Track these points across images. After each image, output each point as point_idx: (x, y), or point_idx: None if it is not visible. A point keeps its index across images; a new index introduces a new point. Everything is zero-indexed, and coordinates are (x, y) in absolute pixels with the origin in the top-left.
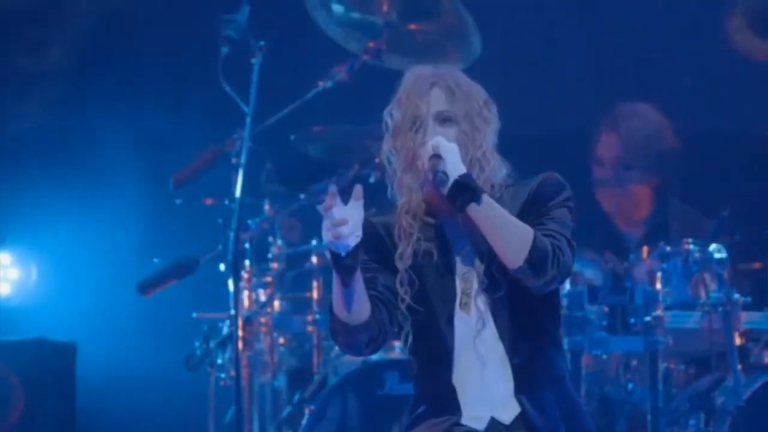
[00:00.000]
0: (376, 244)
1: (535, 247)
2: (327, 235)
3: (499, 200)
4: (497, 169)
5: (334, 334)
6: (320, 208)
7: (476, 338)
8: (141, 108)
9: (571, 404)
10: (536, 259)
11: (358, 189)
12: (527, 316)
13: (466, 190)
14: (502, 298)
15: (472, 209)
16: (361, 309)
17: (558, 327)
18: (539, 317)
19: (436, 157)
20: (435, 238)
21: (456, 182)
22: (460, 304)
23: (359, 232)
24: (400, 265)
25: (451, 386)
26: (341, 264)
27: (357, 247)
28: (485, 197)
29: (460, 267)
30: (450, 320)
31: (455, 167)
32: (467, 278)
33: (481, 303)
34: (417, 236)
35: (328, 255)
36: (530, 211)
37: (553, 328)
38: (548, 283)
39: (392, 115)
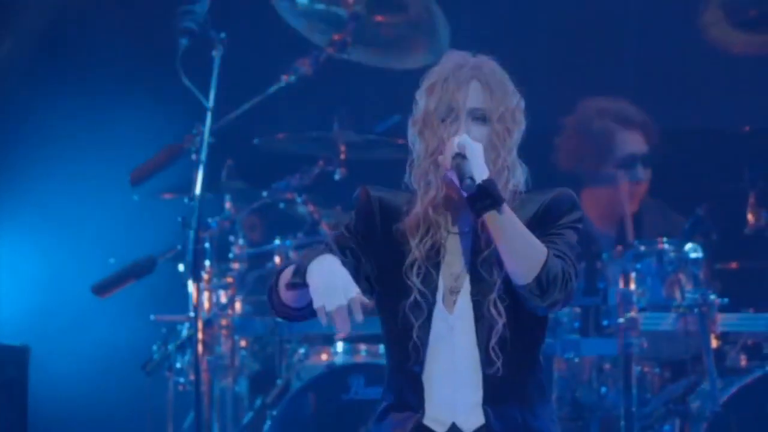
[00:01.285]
0: (366, 216)
1: (546, 267)
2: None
3: (514, 209)
4: (520, 176)
5: (269, 298)
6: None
7: (452, 339)
8: (95, 102)
9: (539, 426)
10: (546, 280)
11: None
12: (510, 329)
13: (488, 196)
14: (489, 304)
15: (490, 217)
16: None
17: (540, 346)
18: (523, 334)
19: (461, 156)
20: (439, 231)
21: (479, 187)
22: (443, 301)
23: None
24: (417, 254)
25: (419, 382)
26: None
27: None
28: (505, 207)
29: (453, 263)
30: (428, 316)
31: (479, 169)
32: (459, 276)
33: (465, 304)
34: (441, 228)
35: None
36: (538, 226)
37: (535, 347)
38: (552, 306)
39: (425, 99)
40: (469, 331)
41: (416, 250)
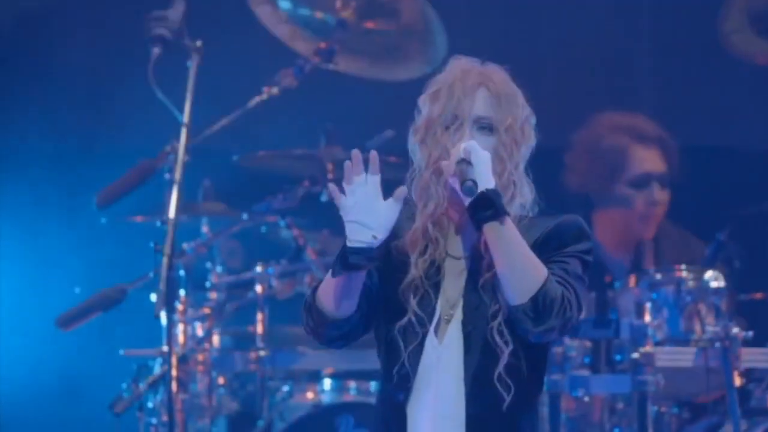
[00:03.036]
0: None
1: (544, 288)
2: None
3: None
4: (527, 195)
5: (306, 319)
6: (331, 188)
7: (439, 371)
8: (60, 116)
9: None
10: (542, 302)
11: (401, 189)
12: (502, 367)
13: (490, 205)
14: (480, 336)
15: (491, 228)
16: (351, 304)
17: (536, 389)
18: (517, 373)
19: (466, 162)
20: (438, 249)
21: (482, 194)
22: (435, 329)
23: (381, 234)
24: (414, 272)
25: (403, 412)
26: (346, 262)
27: (374, 249)
28: (507, 220)
29: (450, 288)
30: (421, 342)
31: (484, 178)
32: (454, 303)
33: (455, 334)
34: (441, 246)
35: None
36: (541, 251)
37: (530, 389)
38: (546, 333)
39: (428, 105)
40: (456, 364)
41: (415, 267)
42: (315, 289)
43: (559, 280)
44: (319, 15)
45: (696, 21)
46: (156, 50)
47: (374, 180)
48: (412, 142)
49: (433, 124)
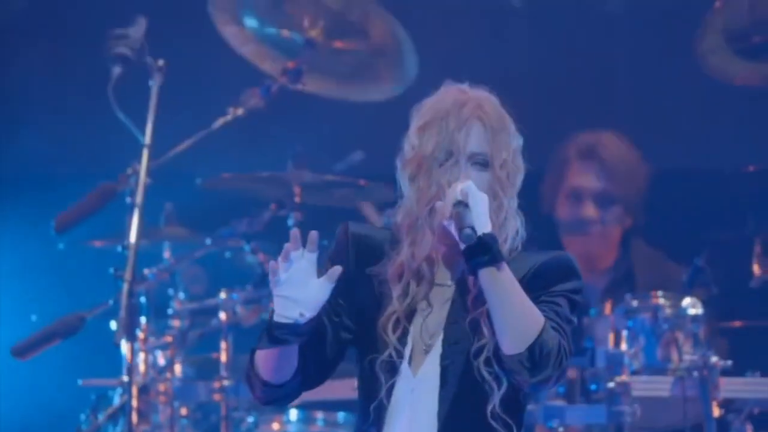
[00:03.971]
0: (341, 259)
1: (542, 338)
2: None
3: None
4: (519, 228)
5: (246, 375)
6: (271, 265)
7: (413, 404)
8: (17, 137)
9: None
10: (539, 353)
11: (335, 270)
12: (479, 403)
13: (487, 251)
14: (458, 371)
15: (487, 274)
16: (285, 372)
17: (515, 428)
18: (494, 410)
19: (463, 205)
20: (423, 282)
21: (480, 239)
22: (410, 359)
23: (309, 312)
24: (396, 306)
25: None
26: (272, 336)
27: (301, 326)
28: (504, 266)
29: (430, 318)
30: (392, 373)
31: (481, 221)
32: (433, 334)
33: (431, 367)
34: (426, 279)
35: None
36: (528, 288)
37: (509, 427)
38: (541, 383)
39: (420, 139)
40: (431, 398)
41: (397, 302)
42: (253, 351)
43: (554, 326)
44: (286, 34)
45: (673, 41)
46: (117, 69)
47: (311, 257)
48: (401, 177)
49: (425, 160)
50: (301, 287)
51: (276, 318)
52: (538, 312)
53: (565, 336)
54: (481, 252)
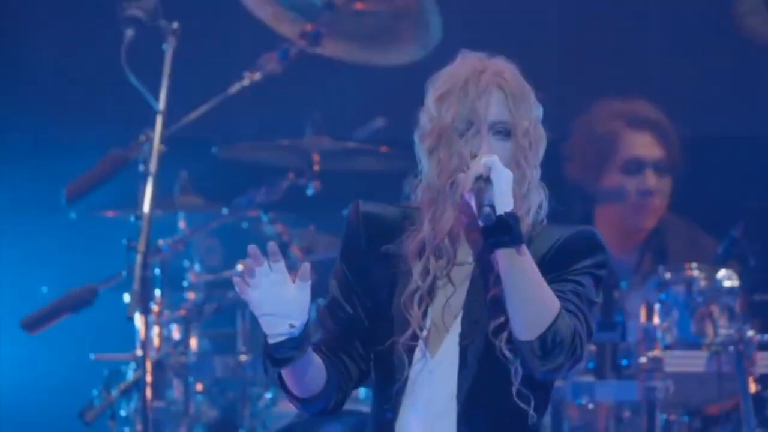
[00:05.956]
0: (352, 241)
1: (555, 326)
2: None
3: (530, 239)
4: (541, 198)
5: (288, 398)
6: (236, 281)
7: (431, 386)
8: (24, 103)
9: None
10: (551, 341)
11: (305, 267)
12: (499, 385)
13: (507, 231)
14: (478, 351)
15: (505, 255)
16: (314, 382)
17: (540, 410)
18: (516, 393)
19: (485, 180)
20: (443, 259)
21: (500, 218)
22: (427, 339)
23: (298, 320)
24: (420, 282)
25: (391, 430)
26: (274, 359)
27: (297, 338)
28: (524, 248)
29: (449, 296)
30: (409, 353)
31: (503, 199)
32: (452, 313)
33: (451, 347)
34: (449, 254)
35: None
36: (549, 267)
37: (531, 410)
38: (552, 372)
39: (438, 109)
40: (450, 380)
41: (419, 279)
42: (279, 375)
43: (572, 309)
44: None
45: (708, 1)
46: (129, 32)
47: (278, 267)
48: (420, 150)
49: (445, 131)
50: (279, 300)
51: (270, 340)
52: (554, 298)
53: (583, 320)
54: (501, 232)
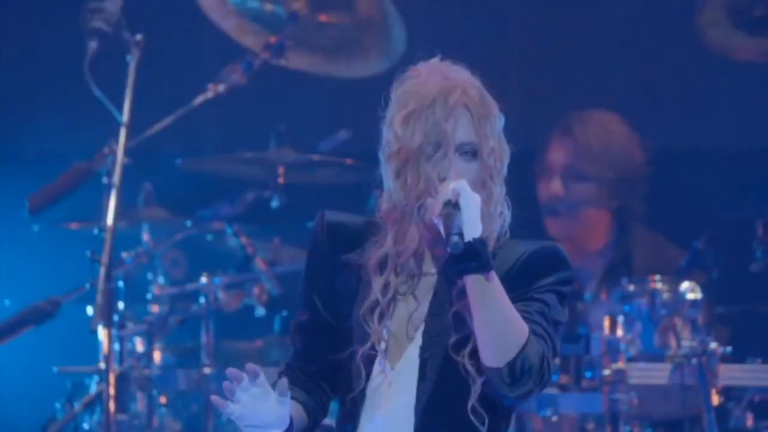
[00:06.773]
0: (317, 255)
1: (523, 353)
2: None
3: (493, 254)
4: (507, 216)
5: None
6: (214, 400)
7: (390, 398)
8: None
9: None
10: (519, 368)
11: (282, 383)
12: (460, 398)
13: (475, 258)
14: (438, 365)
15: (473, 282)
16: (302, 426)
17: (503, 425)
18: (476, 406)
19: (453, 206)
20: (405, 272)
21: (468, 245)
22: (387, 350)
23: (280, 428)
24: (379, 296)
25: None
26: None
27: None
28: (492, 275)
29: (410, 307)
30: (368, 365)
31: (471, 225)
32: (413, 324)
33: (411, 359)
34: (410, 266)
35: None
36: (513, 285)
37: (492, 425)
38: (520, 397)
39: (402, 130)
40: (408, 392)
41: (379, 293)
42: None
43: (540, 332)
44: (268, 7)
45: (671, 14)
46: (93, 44)
47: (258, 382)
48: (385, 168)
49: (413, 153)
50: (260, 413)
51: None
52: (523, 324)
53: (550, 343)
54: (469, 259)
